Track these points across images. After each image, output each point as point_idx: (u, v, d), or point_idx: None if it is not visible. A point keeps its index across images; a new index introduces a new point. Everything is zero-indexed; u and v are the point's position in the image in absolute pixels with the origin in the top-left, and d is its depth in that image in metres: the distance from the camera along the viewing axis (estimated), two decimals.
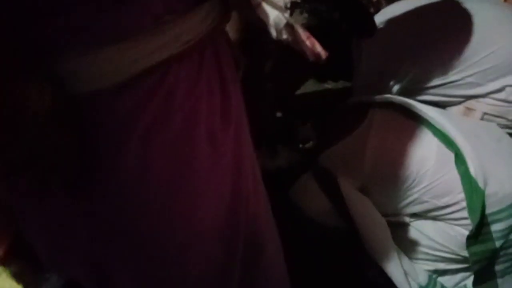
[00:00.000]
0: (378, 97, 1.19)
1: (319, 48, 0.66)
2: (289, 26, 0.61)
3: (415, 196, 1.08)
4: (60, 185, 0.53)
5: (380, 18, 1.43)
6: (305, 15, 2.10)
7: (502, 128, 1.28)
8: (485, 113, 1.28)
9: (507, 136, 1.12)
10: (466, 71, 1.25)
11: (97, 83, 0.49)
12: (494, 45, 1.20)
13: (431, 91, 1.34)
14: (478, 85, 1.26)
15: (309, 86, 1.66)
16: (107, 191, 0.55)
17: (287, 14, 0.60)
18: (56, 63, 0.47)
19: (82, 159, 0.51)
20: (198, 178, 0.59)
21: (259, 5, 0.59)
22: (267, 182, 1.20)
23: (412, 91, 1.37)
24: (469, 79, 1.26)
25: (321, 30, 1.45)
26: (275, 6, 0.59)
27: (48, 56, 0.47)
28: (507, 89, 1.23)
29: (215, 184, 0.62)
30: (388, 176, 1.08)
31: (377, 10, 1.61)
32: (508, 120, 1.26)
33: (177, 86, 0.53)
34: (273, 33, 0.61)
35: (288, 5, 0.59)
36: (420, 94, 1.36)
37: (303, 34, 0.64)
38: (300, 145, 1.26)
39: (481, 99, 1.28)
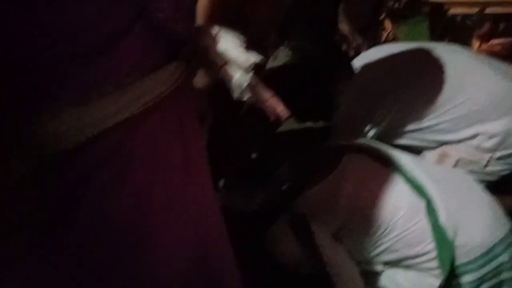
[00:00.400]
0: (353, 142, 1.20)
1: (280, 107, 0.68)
2: (252, 87, 0.62)
3: (388, 244, 1.08)
4: (25, 246, 0.53)
5: (360, 61, 1.47)
6: (288, 52, 2.16)
7: (476, 174, 1.30)
8: (459, 159, 1.30)
9: (478, 185, 1.14)
10: (440, 117, 1.27)
11: (59, 144, 0.50)
12: (465, 94, 1.23)
13: (407, 135, 1.36)
14: (452, 131, 1.28)
15: (288, 125, 1.68)
16: (67, 246, 0.56)
17: (250, 75, 0.61)
18: (19, 126, 0.48)
19: (45, 216, 0.52)
20: (157, 234, 0.60)
21: (223, 66, 0.60)
22: (243, 224, 1.21)
23: (389, 134, 1.39)
24: (443, 126, 1.28)
25: (302, 71, 1.51)
26: (238, 67, 0.60)
27: (11, 119, 0.48)
28: (479, 136, 1.25)
29: (176, 241, 0.62)
30: (362, 224, 1.09)
31: (357, 53, 1.65)
32: (481, 166, 1.28)
33: (138, 144, 0.54)
34: (236, 93, 0.62)
35: (252, 67, 0.60)
36: (396, 138, 1.39)
37: (265, 94, 0.65)
38: (276, 188, 1.26)
39: (455, 145, 1.30)
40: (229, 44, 0.60)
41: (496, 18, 1.97)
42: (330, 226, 1.11)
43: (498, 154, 1.25)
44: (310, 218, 1.12)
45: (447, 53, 1.31)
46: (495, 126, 1.22)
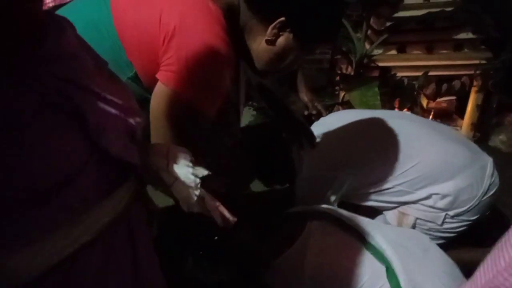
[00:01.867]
0: (315, 209, 1.23)
1: (227, 215, 0.71)
2: (200, 199, 0.65)
3: None
4: None
5: (319, 127, 1.54)
6: (253, 112, 2.20)
7: (434, 232, 1.35)
8: (417, 218, 1.36)
9: (434, 245, 1.18)
10: (395, 180, 1.34)
11: (14, 280, 0.48)
12: (417, 158, 1.31)
13: (368, 197, 1.41)
14: (408, 193, 1.34)
15: (256, 186, 1.70)
16: None
17: (198, 192, 0.64)
18: None
19: None
20: None
21: (172, 184, 0.64)
22: None
23: (350, 197, 1.44)
24: (400, 188, 1.34)
25: (264, 138, 1.55)
26: (186, 184, 0.64)
27: None
28: (433, 196, 1.32)
29: None
30: None
31: (318, 118, 1.73)
32: (438, 224, 1.34)
33: (87, 269, 0.54)
34: (185, 208, 0.66)
35: (199, 185, 0.64)
36: (358, 200, 1.44)
37: (213, 203, 0.68)
38: (241, 259, 1.26)
39: (412, 205, 1.36)
40: (179, 163, 0.63)
41: (439, 80, 2.14)
42: None
43: (452, 212, 1.31)
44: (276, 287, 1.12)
45: (397, 119, 1.41)
46: (447, 187, 1.30)
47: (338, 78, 2.44)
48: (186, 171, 0.64)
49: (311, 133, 1.45)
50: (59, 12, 0.89)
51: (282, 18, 0.86)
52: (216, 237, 1.30)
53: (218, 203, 0.70)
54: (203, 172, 0.65)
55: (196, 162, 0.66)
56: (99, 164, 0.52)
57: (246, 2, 0.88)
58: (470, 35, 2.06)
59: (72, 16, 0.87)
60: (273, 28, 0.87)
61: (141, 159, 0.59)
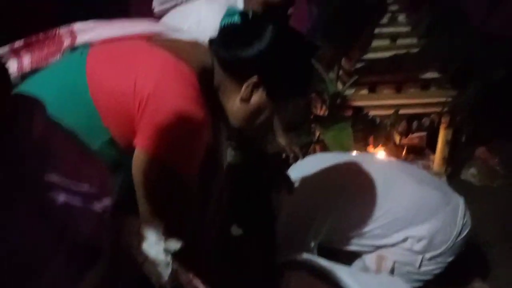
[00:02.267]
0: (294, 258, 1.23)
1: (201, 286, 0.70)
2: (173, 273, 0.65)
3: None
4: None
5: (297, 172, 1.55)
6: (232, 152, 2.22)
7: (412, 274, 1.36)
8: (395, 261, 1.37)
9: None
10: (372, 224, 1.36)
11: None
12: (391, 201, 1.34)
13: (346, 241, 1.42)
14: (385, 236, 1.36)
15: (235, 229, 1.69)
16: None
17: (168, 270, 0.64)
18: None
19: None
20: None
21: (143, 264, 0.63)
22: None
23: (329, 241, 1.44)
24: (376, 232, 1.36)
25: (243, 182, 1.56)
26: (157, 263, 0.64)
27: None
28: (410, 239, 1.34)
29: None
30: None
31: (296, 161, 1.75)
32: (415, 267, 1.35)
33: None
34: (156, 286, 0.65)
35: (170, 263, 0.64)
36: (337, 244, 1.45)
37: (186, 278, 0.68)
38: None
39: (390, 249, 1.38)
40: (150, 241, 0.63)
41: (409, 118, 2.21)
42: None
43: (428, 255, 1.33)
44: None
45: (371, 164, 1.44)
46: (421, 230, 1.32)
47: (312, 116, 2.50)
48: (157, 250, 0.63)
49: (289, 179, 1.47)
50: (36, 76, 0.90)
51: (255, 77, 0.88)
52: None
53: (191, 277, 0.69)
54: (175, 245, 0.65)
55: (169, 234, 0.66)
56: (67, 253, 0.52)
57: (220, 63, 0.90)
58: (436, 75, 2.15)
59: (48, 82, 0.89)
60: (246, 87, 0.89)
61: (111, 239, 0.59)
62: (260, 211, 1.56)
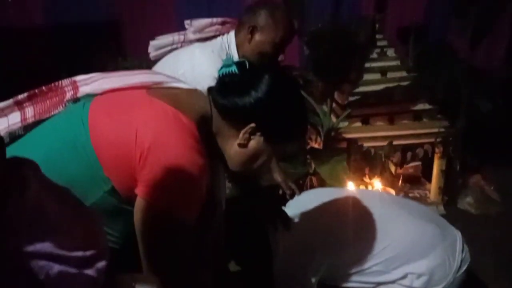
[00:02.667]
0: None
1: None
2: None
3: None
4: None
5: (294, 208, 1.56)
6: (228, 184, 2.22)
7: None
8: None
9: None
10: (372, 260, 1.36)
11: None
12: (389, 238, 1.34)
13: (346, 278, 1.42)
14: (385, 272, 1.36)
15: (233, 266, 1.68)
16: None
17: None
18: None
19: None
20: None
21: None
22: None
23: (329, 278, 1.44)
24: (375, 268, 1.36)
25: (240, 218, 1.56)
26: None
27: None
28: (409, 276, 1.33)
29: None
30: None
31: (292, 197, 1.76)
32: None
33: None
34: None
35: None
36: (337, 281, 1.44)
37: None
38: None
39: (390, 285, 1.37)
40: None
41: (403, 148, 2.24)
42: None
43: None
44: None
45: (369, 200, 1.45)
46: (421, 266, 1.32)
47: (308, 148, 2.52)
48: None
49: (286, 215, 1.47)
50: (38, 129, 0.92)
51: (252, 124, 0.91)
52: None
53: None
54: None
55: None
56: None
57: (218, 110, 0.93)
58: (427, 106, 2.20)
59: (51, 134, 0.91)
60: (244, 133, 0.92)
61: None
62: (257, 248, 1.56)
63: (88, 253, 0.56)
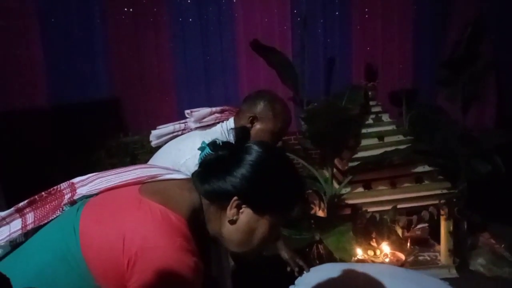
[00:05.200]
0: None
1: None
2: None
3: None
4: None
5: (303, 284, 1.52)
6: (231, 262, 2.15)
7: None
8: None
9: None
10: None
11: None
12: None
13: None
14: None
15: None
16: None
17: None
18: None
19: None
20: None
21: None
22: None
23: None
24: None
25: None
26: None
27: None
28: None
29: None
30: None
31: (301, 273, 1.72)
32: None
33: None
34: None
35: None
36: None
37: None
38: None
39: None
40: None
41: (408, 211, 2.23)
42: None
43: None
44: None
45: (379, 276, 1.42)
46: None
47: (312, 212, 2.51)
48: None
49: None
50: (33, 239, 0.92)
51: (235, 198, 0.90)
52: None
53: None
54: None
55: None
56: None
57: (203, 195, 0.94)
58: (427, 168, 2.22)
59: (43, 245, 0.91)
60: (230, 209, 0.91)
61: None
62: None
63: None
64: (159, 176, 0.99)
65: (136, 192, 0.93)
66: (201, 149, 0.96)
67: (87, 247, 0.87)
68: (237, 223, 0.93)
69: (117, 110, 3.17)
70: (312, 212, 2.61)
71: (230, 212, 0.91)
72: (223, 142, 0.96)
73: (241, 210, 0.92)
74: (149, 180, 0.97)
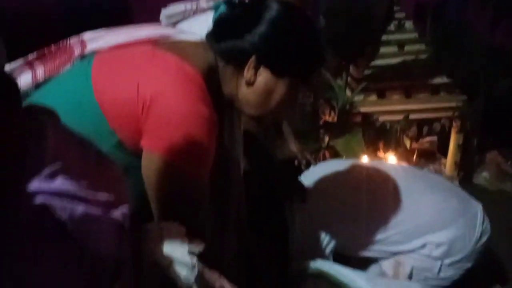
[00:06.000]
0: (309, 267, 1.22)
1: (228, 285, 0.70)
2: (199, 274, 0.64)
3: None
4: None
5: (310, 179, 1.55)
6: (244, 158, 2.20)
7: (431, 280, 1.35)
8: (413, 267, 1.36)
9: None
10: (389, 231, 1.35)
11: None
12: (409, 209, 1.33)
13: (363, 248, 1.41)
14: (403, 243, 1.35)
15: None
16: None
17: (195, 270, 0.63)
18: None
19: None
20: None
21: (169, 267, 0.63)
22: None
23: (345, 248, 1.43)
24: (394, 238, 1.35)
25: (255, 191, 1.55)
26: (183, 265, 0.63)
27: None
28: (428, 245, 1.33)
29: None
30: None
31: (308, 168, 1.75)
32: (434, 273, 1.34)
33: None
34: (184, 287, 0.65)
35: (195, 264, 0.63)
36: (353, 251, 1.44)
37: (212, 278, 0.67)
38: None
39: (408, 255, 1.37)
40: (173, 244, 0.63)
41: (420, 123, 2.21)
42: None
43: (448, 261, 1.32)
44: None
45: (388, 171, 1.44)
46: (441, 236, 1.31)
47: (322, 122, 2.50)
48: (182, 251, 0.63)
49: (302, 186, 1.46)
50: (45, 87, 0.91)
51: (253, 57, 0.87)
52: None
53: (217, 275, 0.69)
54: (199, 247, 0.64)
55: (191, 237, 0.65)
56: (91, 268, 0.52)
57: (218, 55, 0.90)
58: (445, 80, 2.16)
59: (56, 91, 0.90)
60: (248, 70, 0.88)
61: (134, 248, 0.59)
62: (273, 220, 1.56)
63: (111, 197, 0.54)
64: (172, 36, 0.94)
65: (148, 47, 0.90)
66: (215, 7, 0.90)
67: (100, 92, 0.85)
68: (254, 85, 0.89)
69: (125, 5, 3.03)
70: (322, 121, 2.59)
71: (248, 73, 0.88)
72: (239, 0, 0.89)
73: (258, 71, 0.88)
74: (162, 41, 0.93)
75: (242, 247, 1.32)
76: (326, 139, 2.32)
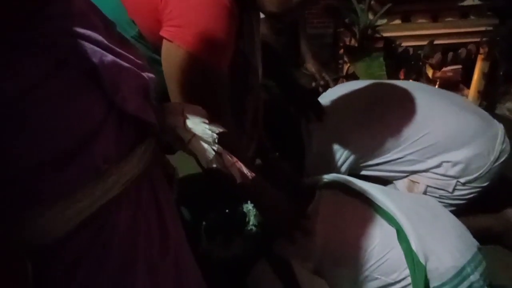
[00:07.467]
0: (323, 178, 1.22)
1: (245, 170, 0.70)
2: (217, 156, 0.65)
3: (366, 273, 1.08)
4: None
5: (327, 99, 1.52)
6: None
7: (446, 199, 1.34)
8: (428, 186, 1.35)
9: (445, 211, 1.17)
10: (406, 150, 1.32)
11: (43, 238, 0.49)
12: (427, 128, 1.29)
13: (377, 167, 1.40)
14: (419, 162, 1.33)
15: None
16: None
17: (215, 147, 0.64)
18: (14, 223, 0.48)
19: None
20: None
21: (190, 141, 0.63)
22: (225, 270, 1.19)
23: (360, 168, 1.43)
24: (410, 157, 1.33)
25: (272, 113, 1.53)
26: (204, 140, 0.63)
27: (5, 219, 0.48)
28: (444, 164, 1.30)
29: None
30: (339, 256, 1.09)
31: (326, 89, 1.71)
32: (449, 192, 1.33)
33: (117, 225, 0.55)
34: (204, 163, 0.65)
35: (216, 139, 0.64)
36: (367, 170, 1.43)
37: (230, 160, 0.68)
38: (254, 232, 1.26)
39: (423, 174, 1.35)
40: (195, 120, 0.62)
41: (445, 49, 2.11)
42: (309, 262, 1.11)
43: (463, 179, 1.30)
44: (289, 258, 1.12)
45: (407, 89, 1.38)
46: (458, 155, 1.28)
47: (341, 51, 2.41)
48: (203, 127, 0.63)
49: (319, 105, 1.43)
50: None
51: None
52: (227, 210, 1.31)
53: (235, 159, 0.69)
54: (219, 128, 0.65)
55: (212, 119, 0.66)
56: (117, 123, 0.53)
57: None
58: (476, 2, 2.02)
59: None
60: None
61: (157, 118, 0.59)
62: (290, 139, 1.55)
63: (137, 61, 0.54)
64: None
65: None
66: None
67: None
68: None
69: None
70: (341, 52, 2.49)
71: None
72: None
73: None
74: None
75: (258, 154, 1.33)
76: (345, 67, 2.25)
